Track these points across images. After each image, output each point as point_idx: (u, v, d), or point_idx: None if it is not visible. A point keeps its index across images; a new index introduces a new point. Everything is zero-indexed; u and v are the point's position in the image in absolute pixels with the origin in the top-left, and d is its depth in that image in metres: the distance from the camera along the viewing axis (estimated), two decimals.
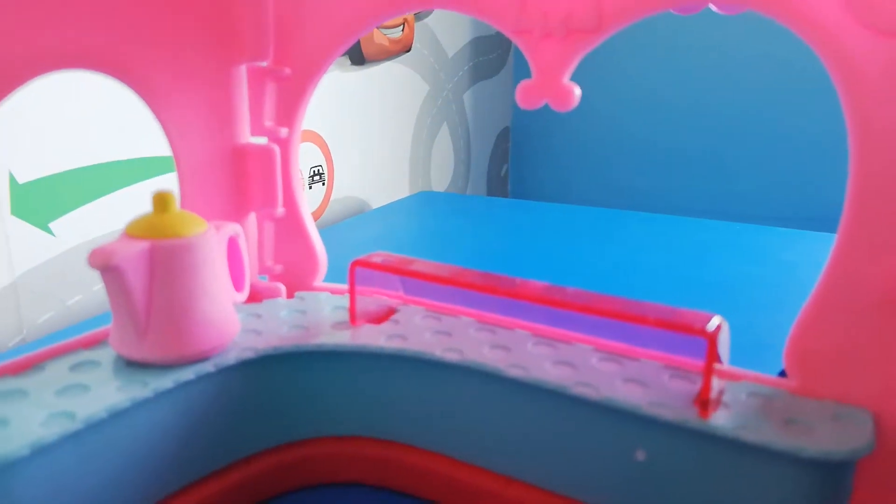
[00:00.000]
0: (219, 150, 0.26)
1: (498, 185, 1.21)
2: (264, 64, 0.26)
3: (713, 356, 0.19)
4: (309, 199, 0.73)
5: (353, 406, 0.24)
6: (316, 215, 0.74)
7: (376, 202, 0.85)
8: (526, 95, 0.24)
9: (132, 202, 0.52)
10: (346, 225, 0.69)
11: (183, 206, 0.26)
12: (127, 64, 0.23)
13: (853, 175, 0.19)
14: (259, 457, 0.24)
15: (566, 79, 0.23)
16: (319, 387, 0.24)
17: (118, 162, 0.51)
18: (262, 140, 0.27)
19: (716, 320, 0.20)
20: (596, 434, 0.21)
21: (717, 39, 0.95)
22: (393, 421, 0.24)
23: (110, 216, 0.51)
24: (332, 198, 0.76)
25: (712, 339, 0.19)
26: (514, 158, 1.22)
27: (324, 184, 0.74)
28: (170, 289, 0.21)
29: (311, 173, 0.72)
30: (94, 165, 0.50)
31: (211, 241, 0.22)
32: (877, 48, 0.18)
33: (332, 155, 0.75)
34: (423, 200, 0.82)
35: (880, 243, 0.19)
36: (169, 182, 0.54)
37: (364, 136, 0.81)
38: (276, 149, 0.27)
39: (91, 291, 0.51)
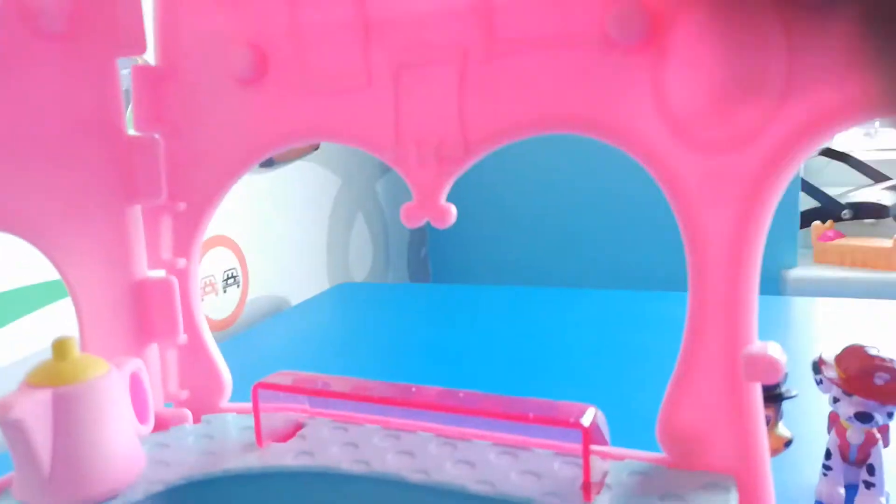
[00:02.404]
0: (117, 287, 0.27)
1: (419, 266, 1.24)
2: (159, 202, 0.28)
3: (588, 446, 0.21)
4: (224, 303, 0.73)
5: None
6: (232, 319, 0.74)
7: (295, 297, 0.85)
8: (409, 216, 0.26)
9: (34, 330, 0.51)
10: (264, 326, 0.69)
11: (83, 343, 0.26)
12: (25, 220, 0.24)
13: (690, 274, 0.22)
14: None
15: (443, 199, 0.26)
16: None
17: (13, 291, 0.50)
18: (159, 272, 0.28)
19: (590, 412, 0.22)
20: None
21: None
22: None
23: (12, 346, 0.50)
24: (248, 299, 0.77)
25: (586, 431, 0.21)
26: (433, 240, 1.25)
27: (238, 286, 0.75)
28: (74, 434, 0.21)
29: (225, 277, 0.73)
30: None
31: (113, 381, 0.23)
32: (694, 163, 0.22)
33: (246, 256, 0.76)
34: (342, 293, 0.83)
35: (717, 331, 0.22)
36: (58, 310, 0.53)
37: (279, 234, 0.83)
38: (175, 281, 0.28)
39: None
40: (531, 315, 0.68)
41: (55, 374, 0.22)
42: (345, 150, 0.98)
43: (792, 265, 0.96)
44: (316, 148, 0.89)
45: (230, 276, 0.73)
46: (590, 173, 1.10)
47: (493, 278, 1.18)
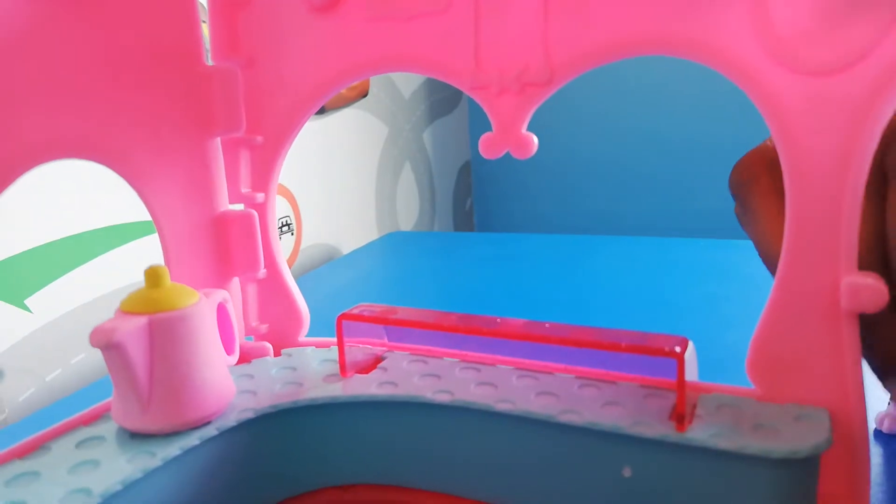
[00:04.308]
0: (200, 220, 0.27)
1: (463, 218, 1.24)
2: (238, 134, 0.28)
3: (683, 375, 0.21)
4: None
5: (351, 455, 0.25)
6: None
7: (346, 246, 0.86)
8: (488, 147, 0.26)
9: (104, 271, 0.53)
10: (318, 273, 0.70)
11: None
12: (112, 150, 0.24)
13: (789, 199, 0.21)
14: None
15: (524, 129, 0.25)
16: (318, 439, 0.25)
17: (87, 232, 0.52)
18: (239, 206, 0.29)
19: (683, 341, 0.22)
20: (585, 456, 0.23)
21: (669, 67, 1.00)
22: (391, 465, 0.25)
23: (85, 287, 0.51)
24: (301, 246, 0.77)
25: (681, 359, 0.21)
26: (478, 191, 1.24)
27: (292, 234, 0.75)
28: (170, 360, 0.22)
29: (280, 224, 0.73)
30: (64, 238, 0.50)
31: (204, 309, 0.23)
32: (796, 86, 0.21)
33: (299, 204, 0.77)
34: (392, 242, 0.83)
35: (819, 260, 0.21)
36: (138, 248, 0.55)
37: (329, 182, 0.83)
38: (255, 214, 0.28)
39: (69, 364, 0.51)
40: (580, 262, 0.67)
41: (149, 302, 0.22)
42: (392, 97, 0.97)
43: None
44: (364, 95, 0.88)
45: (284, 223, 0.74)
46: (627, 123, 1.07)
47: (538, 231, 1.17)
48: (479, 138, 0.26)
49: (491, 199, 1.22)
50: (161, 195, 0.26)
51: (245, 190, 0.28)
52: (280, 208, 0.74)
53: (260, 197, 0.29)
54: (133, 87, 0.25)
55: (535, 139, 0.25)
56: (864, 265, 0.22)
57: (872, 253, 0.23)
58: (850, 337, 0.22)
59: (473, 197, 1.24)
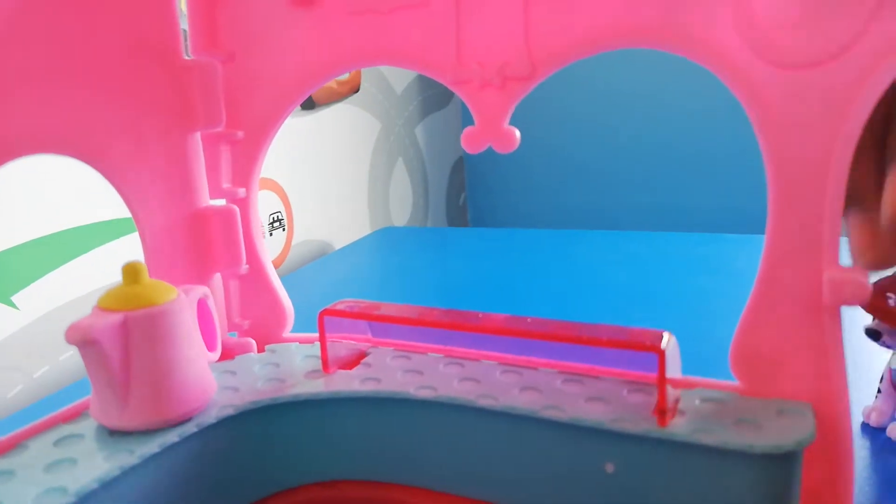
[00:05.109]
0: (180, 216, 0.27)
1: (457, 213, 1.23)
2: (218, 129, 0.28)
3: (664, 370, 0.21)
4: (270, 246, 0.73)
5: (334, 451, 0.25)
6: (278, 261, 0.75)
7: (338, 242, 0.86)
8: (471, 141, 0.26)
9: (92, 268, 0.53)
10: (309, 269, 0.69)
11: (149, 272, 0.26)
12: (90, 145, 0.24)
13: (771, 192, 0.21)
14: None
15: (506, 123, 0.25)
16: (300, 435, 0.25)
17: (77, 228, 0.52)
18: (220, 202, 0.28)
19: (665, 336, 0.22)
20: (567, 451, 0.23)
21: (656, 66, 1.00)
22: (374, 461, 0.25)
23: (72, 283, 0.51)
24: (293, 242, 0.77)
25: (662, 353, 0.21)
26: (471, 187, 1.24)
27: (284, 229, 0.75)
28: (148, 357, 0.22)
29: (271, 220, 0.73)
30: (50, 235, 0.50)
31: (183, 306, 0.23)
32: (778, 79, 0.21)
33: (291, 200, 0.76)
34: (385, 237, 0.83)
35: (801, 254, 0.21)
36: (125, 245, 0.55)
37: (321, 178, 0.83)
38: (236, 209, 0.28)
39: (57, 362, 0.50)
40: (573, 257, 0.67)
41: (127, 298, 0.22)
42: (385, 92, 0.97)
43: None
44: (356, 90, 0.88)
45: (276, 219, 0.74)
46: (618, 122, 1.07)
47: (531, 226, 1.17)
48: None
49: (485, 194, 1.22)
50: (140, 191, 0.26)
51: (226, 185, 0.28)
52: (271, 204, 0.73)
53: (241, 192, 0.28)
54: (111, 81, 0.24)
55: (518, 133, 0.25)
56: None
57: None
58: (833, 331, 0.21)
59: (467, 192, 1.24)
